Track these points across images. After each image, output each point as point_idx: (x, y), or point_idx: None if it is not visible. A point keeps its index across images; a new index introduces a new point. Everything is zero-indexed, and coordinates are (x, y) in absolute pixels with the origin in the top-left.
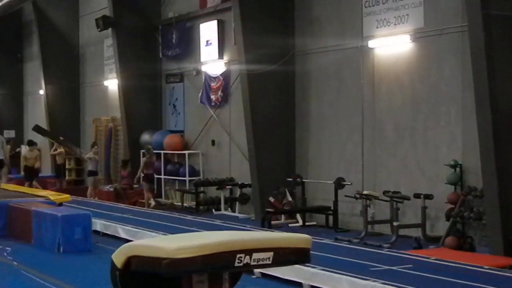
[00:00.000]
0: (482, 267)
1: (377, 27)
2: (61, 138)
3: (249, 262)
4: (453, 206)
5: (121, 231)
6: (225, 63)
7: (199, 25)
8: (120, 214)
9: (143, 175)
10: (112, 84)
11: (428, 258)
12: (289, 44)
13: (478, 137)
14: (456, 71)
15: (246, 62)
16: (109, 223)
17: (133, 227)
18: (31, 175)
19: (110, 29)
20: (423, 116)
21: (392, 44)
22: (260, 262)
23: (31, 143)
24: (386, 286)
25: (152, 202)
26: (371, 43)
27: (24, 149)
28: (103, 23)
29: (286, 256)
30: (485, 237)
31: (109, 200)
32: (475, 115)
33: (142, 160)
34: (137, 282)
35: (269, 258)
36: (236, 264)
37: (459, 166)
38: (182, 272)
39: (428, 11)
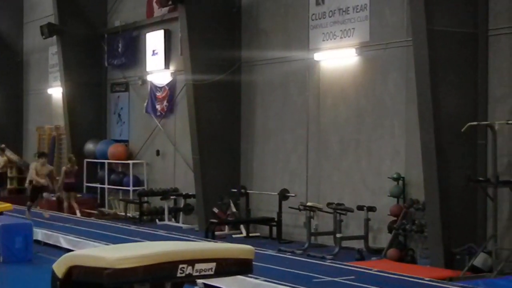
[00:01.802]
0: (422, 279)
1: (323, 40)
2: (3, 145)
3: (191, 272)
4: (395, 218)
5: (62, 240)
6: (171, 73)
7: (145, 34)
8: (62, 224)
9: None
10: (56, 92)
11: (370, 269)
12: (235, 55)
13: (421, 150)
14: (400, 85)
15: (192, 73)
16: (50, 233)
17: (75, 237)
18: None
19: (55, 36)
20: (367, 129)
21: (337, 57)
22: (203, 273)
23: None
24: None
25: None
26: (317, 56)
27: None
28: (48, 30)
29: (228, 266)
30: (426, 250)
31: (51, 209)
32: (418, 128)
33: (63, 169)
34: None
35: (211, 268)
36: (179, 275)
37: (402, 179)
38: (124, 283)
39: (374, 25)
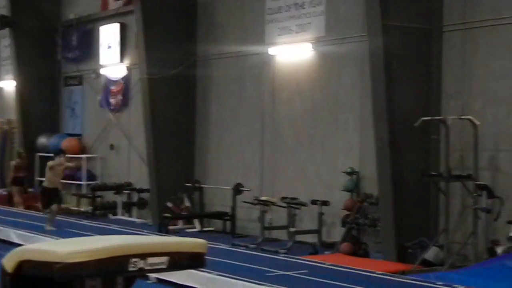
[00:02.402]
0: (375, 273)
1: (279, 35)
2: None
3: (143, 266)
4: (349, 212)
5: (13, 235)
6: (126, 66)
7: (100, 27)
8: (13, 219)
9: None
10: (8, 85)
11: (323, 263)
12: (191, 50)
13: (375, 145)
14: (355, 80)
15: (147, 67)
16: (1, 228)
17: (26, 232)
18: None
19: (7, 29)
20: (321, 123)
21: (293, 52)
22: (155, 267)
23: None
24: None
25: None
26: (272, 50)
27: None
28: (0, 22)
29: (181, 260)
30: (379, 243)
31: (2, 204)
32: (373, 123)
33: (12, 163)
34: (29, 287)
35: (164, 262)
36: (130, 269)
37: (355, 173)
38: (75, 277)
39: (329, 20)
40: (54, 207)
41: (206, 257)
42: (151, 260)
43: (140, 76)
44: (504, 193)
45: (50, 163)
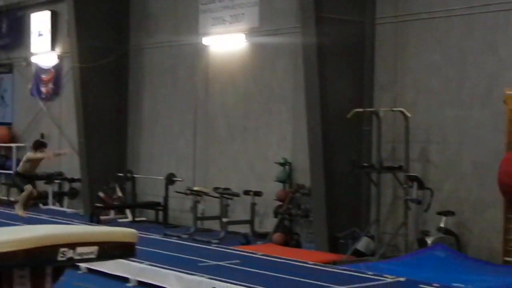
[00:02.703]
0: (307, 263)
1: (212, 25)
2: None
3: (72, 256)
4: (281, 203)
5: None
6: (58, 55)
7: (30, 14)
8: None
9: None
10: None
11: (255, 253)
12: (123, 39)
13: (307, 136)
14: (289, 71)
15: (78, 55)
16: None
17: None
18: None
19: None
20: (254, 114)
21: (227, 42)
22: (85, 256)
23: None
24: (213, 281)
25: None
26: (206, 41)
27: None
28: None
29: (111, 250)
30: (311, 234)
31: None
32: (305, 114)
33: None
34: None
35: (93, 252)
36: (59, 259)
37: (288, 164)
38: (3, 267)
39: (263, 10)
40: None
41: (137, 247)
42: (80, 249)
43: (72, 65)
44: (434, 184)
45: (29, 155)
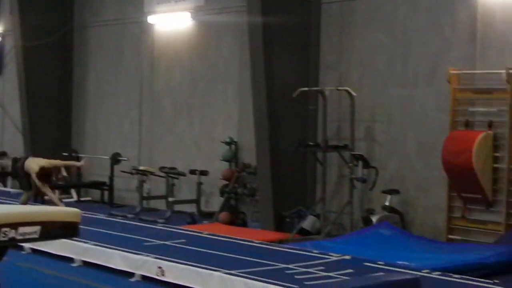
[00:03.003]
0: (253, 242)
1: (158, 3)
2: None
3: (14, 236)
4: (227, 182)
5: None
6: (0, 33)
7: None
8: None
9: None
10: None
11: (201, 233)
12: (67, 17)
13: (253, 115)
14: (234, 50)
15: (22, 34)
16: None
17: None
18: None
19: None
20: (200, 93)
21: (172, 21)
22: (27, 236)
23: None
24: (159, 260)
25: None
26: (151, 19)
27: None
28: None
29: (54, 230)
30: (257, 213)
31: None
32: (251, 93)
33: None
34: None
35: (36, 232)
36: (1, 238)
37: (234, 143)
38: None
39: None
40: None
41: (82, 227)
42: (22, 229)
43: (15, 43)
44: (379, 163)
45: None
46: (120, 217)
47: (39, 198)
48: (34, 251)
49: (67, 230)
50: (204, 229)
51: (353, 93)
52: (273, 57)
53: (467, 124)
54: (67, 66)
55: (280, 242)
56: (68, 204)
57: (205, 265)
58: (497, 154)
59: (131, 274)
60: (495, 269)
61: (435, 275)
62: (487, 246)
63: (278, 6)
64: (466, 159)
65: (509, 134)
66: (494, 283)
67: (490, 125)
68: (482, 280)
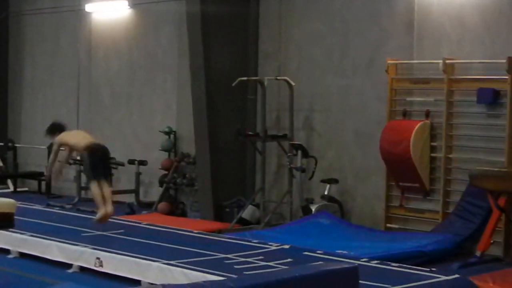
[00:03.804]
0: (192, 232)
1: None
2: None
3: None
4: (166, 172)
5: None
6: None
7: None
8: None
9: None
10: None
11: (140, 223)
12: (2, 5)
13: (192, 105)
14: (173, 39)
15: None
16: None
17: None
18: None
19: None
20: (139, 82)
21: (110, 9)
22: None
23: None
24: (96, 251)
25: None
26: (88, 7)
27: None
28: None
29: None
30: (196, 203)
31: None
32: (190, 83)
33: None
34: None
35: None
36: None
37: (173, 133)
38: None
39: None
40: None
41: (19, 217)
42: None
43: None
44: (318, 152)
45: None
46: (57, 208)
47: None
48: None
49: (1, 221)
50: (143, 219)
51: (292, 83)
52: (212, 46)
53: (405, 114)
54: (2, 54)
55: (220, 232)
56: (4, 195)
57: (144, 255)
58: (434, 144)
59: (69, 265)
60: (432, 257)
61: (373, 263)
62: (424, 234)
63: None
64: (404, 148)
65: (445, 124)
66: (431, 271)
67: (427, 114)
68: (419, 268)
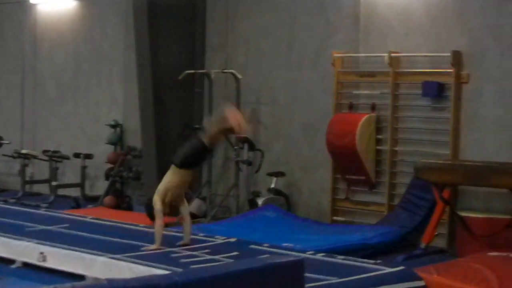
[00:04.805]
0: (138, 225)
1: None
2: None
3: None
4: (112, 165)
5: None
6: None
7: None
8: None
9: None
10: None
11: (85, 217)
12: None
13: (139, 98)
14: (119, 32)
15: None
16: None
17: None
18: None
19: None
20: (85, 75)
21: (55, 1)
22: None
23: None
24: (40, 246)
25: None
26: None
27: None
28: None
29: None
30: (142, 196)
31: None
32: (136, 76)
33: None
34: None
35: None
36: None
37: (119, 126)
38: None
39: None
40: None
41: None
42: None
43: None
44: (265, 145)
45: None
46: (1, 202)
47: None
48: None
49: None
50: (88, 214)
51: (239, 76)
52: (159, 39)
53: (351, 107)
54: None
55: (166, 225)
56: None
57: (89, 249)
58: (380, 136)
59: (12, 261)
60: (377, 249)
61: (319, 256)
62: (370, 227)
63: None
64: (350, 141)
65: (391, 117)
66: (376, 263)
67: (373, 107)
68: (365, 260)
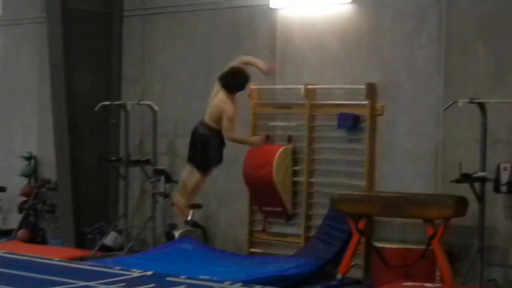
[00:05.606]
0: (52, 259)
1: None
2: None
3: None
4: (26, 198)
5: None
6: None
7: None
8: None
9: None
10: None
11: None
12: None
13: (53, 129)
14: (34, 63)
15: None
16: None
17: None
18: None
19: None
20: None
21: None
22: None
23: None
24: None
25: None
26: None
27: None
28: None
29: None
30: (57, 229)
31: None
32: (51, 107)
33: None
34: None
35: None
36: None
37: (34, 158)
38: None
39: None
40: None
41: None
42: None
43: None
44: (181, 177)
45: None
46: None
47: None
48: None
49: None
50: (1, 248)
51: (155, 107)
52: (74, 69)
53: (268, 139)
54: None
55: (81, 259)
56: None
57: (2, 286)
58: (296, 168)
59: None
60: (294, 280)
61: (237, 286)
62: (286, 258)
63: (78, 18)
64: (267, 173)
65: (307, 148)
66: None
67: (289, 139)
68: None
